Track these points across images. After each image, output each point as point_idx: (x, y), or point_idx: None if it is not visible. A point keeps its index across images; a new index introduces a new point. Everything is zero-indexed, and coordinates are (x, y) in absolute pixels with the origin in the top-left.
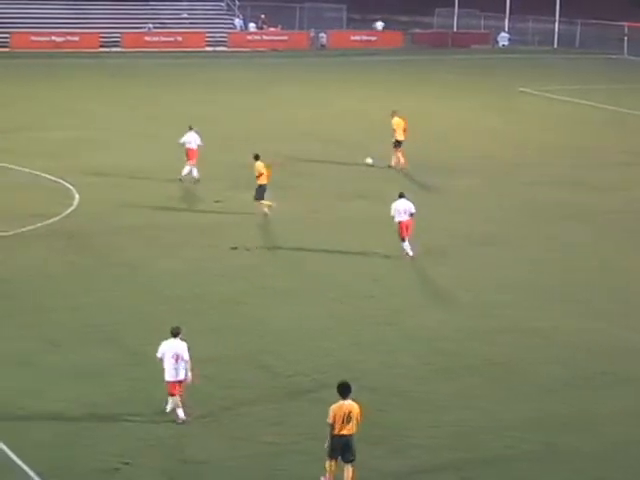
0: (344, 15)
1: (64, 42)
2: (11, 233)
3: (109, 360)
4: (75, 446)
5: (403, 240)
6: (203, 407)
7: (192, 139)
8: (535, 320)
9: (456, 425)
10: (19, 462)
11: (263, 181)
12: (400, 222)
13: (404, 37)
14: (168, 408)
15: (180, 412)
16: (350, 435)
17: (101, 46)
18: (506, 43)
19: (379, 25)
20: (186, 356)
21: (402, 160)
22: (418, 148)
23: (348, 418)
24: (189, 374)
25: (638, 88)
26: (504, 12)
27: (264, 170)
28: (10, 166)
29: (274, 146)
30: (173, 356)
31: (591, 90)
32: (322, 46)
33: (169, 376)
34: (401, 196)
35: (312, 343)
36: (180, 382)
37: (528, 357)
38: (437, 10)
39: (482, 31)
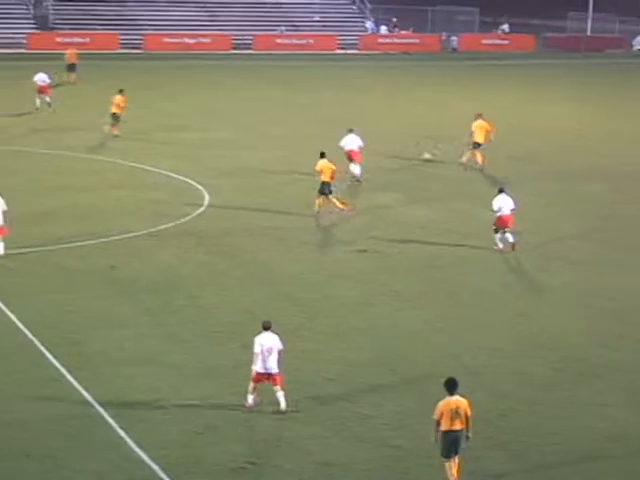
0: (476, 18)
1: (196, 44)
2: (143, 233)
3: (235, 360)
4: (202, 444)
5: (496, 232)
6: (329, 409)
7: (352, 141)
8: None
9: (582, 432)
10: (146, 458)
11: (324, 178)
12: (501, 216)
13: (536, 41)
14: (251, 401)
15: (250, 398)
16: (460, 430)
17: (233, 48)
18: None
19: (505, 27)
20: (281, 346)
21: (480, 160)
22: (555, 152)
23: (456, 413)
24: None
25: None
26: None
27: (324, 167)
28: (143, 167)
29: (407, 149)
30: (268, 350)
31: None
32: (453, 49)
33: (259, 367)
34: (501, 191)
35: (440, 347)
36: (270, 374)
37: None
38: (570, 14)
39: (617, 35)
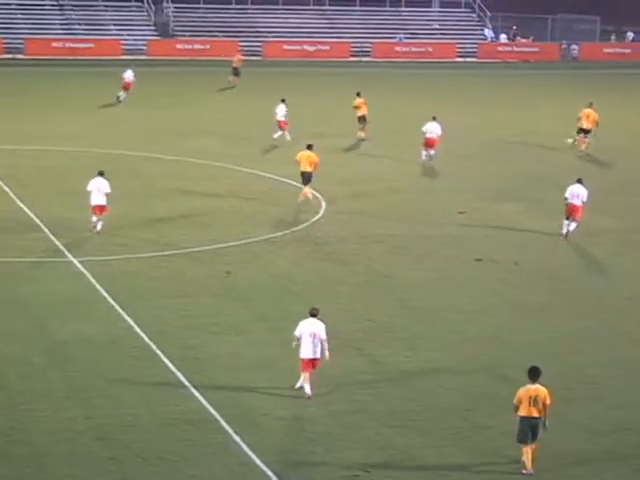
0: (597, 27)
1: (315, 51)
2: (259, 239)
3: (352, 367)
4: (316, 450)
5: (567, 218)
6: (445, 418)
7: (432, 129)
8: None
9: None
10: (260, 463)
11: (303, 168)
12: (570, 204)
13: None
14: (299, 384)
15: (307, 388)
16: (538, 417)
17: (352, 55)
18: None
19: (630, 36)
20: (324, 335)
21: (583, 146)
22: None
23: (534, 401)
24: (326, 353)
25: None
26: None
27: (302, 157)
28: (261, 173)
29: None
30: (311, 335)
31: None
32: (573, 58)
33: (305, 354)
34: (578, 181)
35: (561, 358)
36: (315, 360)
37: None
38: None
39: None
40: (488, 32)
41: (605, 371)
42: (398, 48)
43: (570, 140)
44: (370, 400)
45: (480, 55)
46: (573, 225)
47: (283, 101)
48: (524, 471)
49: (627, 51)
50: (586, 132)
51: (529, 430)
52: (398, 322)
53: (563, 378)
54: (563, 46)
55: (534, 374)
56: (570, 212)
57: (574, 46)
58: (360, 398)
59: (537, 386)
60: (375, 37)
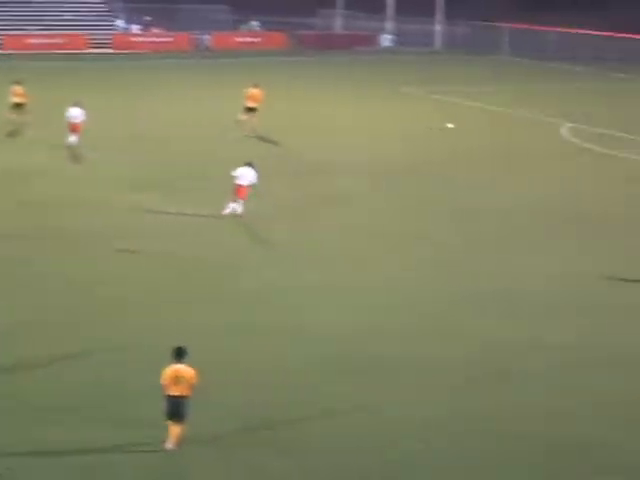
0: (228, 17)
1: None
2: None
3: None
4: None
5: (234, 201)
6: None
7: (74, 114)
8: (425, 319)
9: (350, 427)
10: None
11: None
12: (238, 185)
13: (287, 38)
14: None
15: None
16: (182, 397)
17: None
18: (390, 44)
19: (254, 25)
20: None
21: (249, 126)
22: (305, 147)
23: (178, 380)
24: None
25: (520, 88)
26: (387, 13)
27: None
28: None
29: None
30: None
31: (474, 91)
32: (206, 48)
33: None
34: (248, 164)
35: (207, 345)
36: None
37: (420, 354)
38: (320, 11)
39: (366, 32)
40: (121, 22)
41: (249, 356)
42: (30, 40)
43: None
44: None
45: (114, 46)
46: (238, 205)
47: None
48: (169, 445)
49: (257, 40)
50: (252, 110)
51: (173, 408)
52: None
53: (210, 365)
54: (195, 36)
55: (178, 354)
56: (237, 193)
57: (206, 36)
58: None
59: (182, 366)
60: (5, 29)
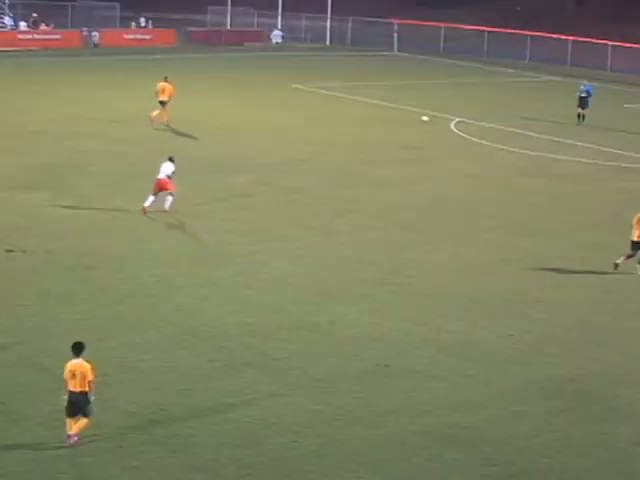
0: (117, 13)
1: None
2: None
3: None
4: None
5: (154, 194)
6: None
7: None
8: (313, 315)
9: (239, 422)
10: None
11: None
12: (158, 179)
13: (178, 35)
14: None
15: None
16: (79, 392)
17: None
18: (279, 40)
19: (142, 21)
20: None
21: (165, 119)
22: (195, 145)
23: (74, 375)
24: None
25: (409, 84)
26: (277, 9)
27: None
28: None
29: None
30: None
31: (364, 86)
32: (95, 45)
33: None
34: (170, 159)
35: (96, 344)
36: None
37: (307, 352)
38: (210, 8)
39: (256, 29)
40: (8, 20)
41: (139, 355)
42: None
43: (425, 118)
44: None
45: (0, 44)
46: (170, 199)
47: None
48: (70, 440)
49: (147, 37)
50: (163, 104)
51: (71, 404)
52: None
53: (100, 363)
54: (84, 33)
55: (75, 349)
56: (159, 188)
57: (95, 33)
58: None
59: (79, 361)
60: None
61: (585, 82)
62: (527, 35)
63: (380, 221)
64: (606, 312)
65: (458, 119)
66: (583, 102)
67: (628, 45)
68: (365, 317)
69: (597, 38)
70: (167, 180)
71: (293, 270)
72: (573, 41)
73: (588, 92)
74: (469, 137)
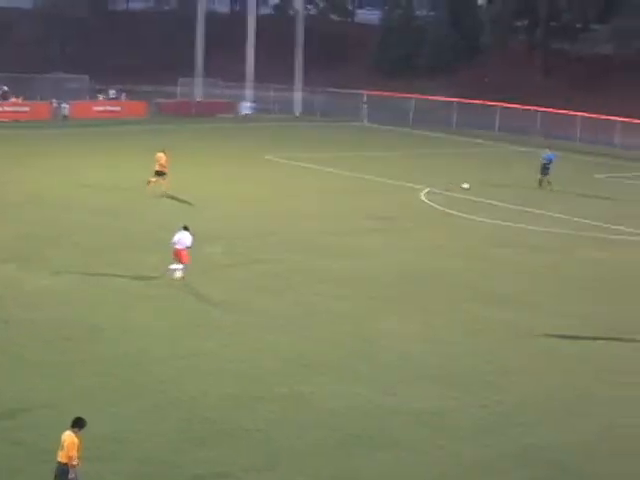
0: (86, 86)
1: None
2: None
3: None
4: None
5: (176, 262)
6: None
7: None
8: (294, 385)
9: None
10: None
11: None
12: (176, 249)
13: (148, 107)
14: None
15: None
16: (61, 462)
17: None
18: (249, 112)
19: (112, 93)
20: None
21: (164, 188)
22: (169, 216)
23: (61, 445)
24: None
25: (378, 155)
26: (246, 81)
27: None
28: None
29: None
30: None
31: (333, 157)
32: (65, 117)
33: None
34: (185, 228)
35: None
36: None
37: (289, 423)
38: (180, 80)
39: (225, 100)
40: None
41: (118, 426)
42: None
43: (466, 185)
44: None
45: None
46: (180, 267)
47: None
48: None
49: (117, 109)
50: (161, 174)
51: (55, 475)
52: None
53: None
54: (54, 105)
55: (73, 422)
56: (176, 256)
57: (65, 105)
58: None
59: (69, 432)
60: None
61: (547, 150)
62: (496, 106)
63: (351, 291)
64: (579, 381)
65: (428, 189)
66: (544, 170)
67: (596, 116)
68: (345, 388)
69: (566, 109)
70: (185, 252)
71: (271, 341)
72: (542, 112)
73: (550, 160)
74: (439, 207)
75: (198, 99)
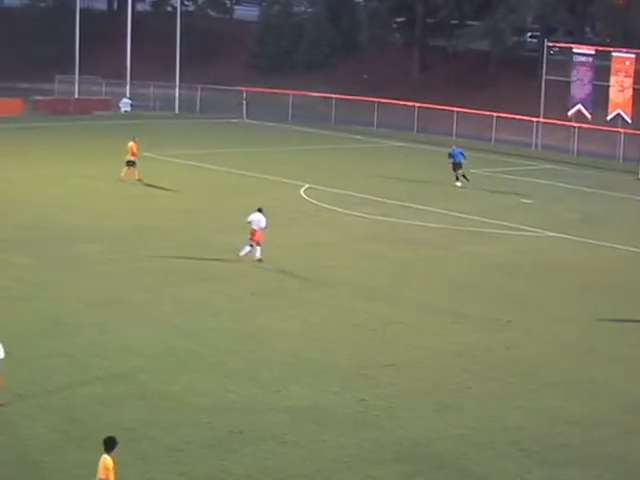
0: None
1: None
2: None
3: None
4: None
5: (251, 245)
6: None
7: None
8: (166, 384)
9: None
10: None
11: None
12: (254, 230)
13: (25, 104)
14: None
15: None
16: None
17: None
18: (128, 109)
19: None
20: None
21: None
22: (39, 215)
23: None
24: None
25: (258, 151)
26: (125, 78)
27: None
28: None
29: None
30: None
31: (213, 154)
32: None
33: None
34: (259, 210)
35: None
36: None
37: (159, 421)
38: (57, 77)
39: (104, 97)
40: None
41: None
42: None
43: (458, 184)
44: None
45: None
46: (259, 249)
47: None
48: None
49: None
50: (132, 163)
51: None
52: None
53: None
54: None
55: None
56: (255, 239)
57: None
58: None
59: (104, 456)
60: None
61: (454, 147)
62: (375, 102)
63: (231, 288)
64: (456, 375)
65: (308, 185)
66: (457, 165)
67: (473, 112)
68: (217, 385)
69: (443, 105)
70: (262, 233)
71: (144, 338)
72: (419, 107)
73: (462, 154)
74: (319, 203)
75: (76, 96)
